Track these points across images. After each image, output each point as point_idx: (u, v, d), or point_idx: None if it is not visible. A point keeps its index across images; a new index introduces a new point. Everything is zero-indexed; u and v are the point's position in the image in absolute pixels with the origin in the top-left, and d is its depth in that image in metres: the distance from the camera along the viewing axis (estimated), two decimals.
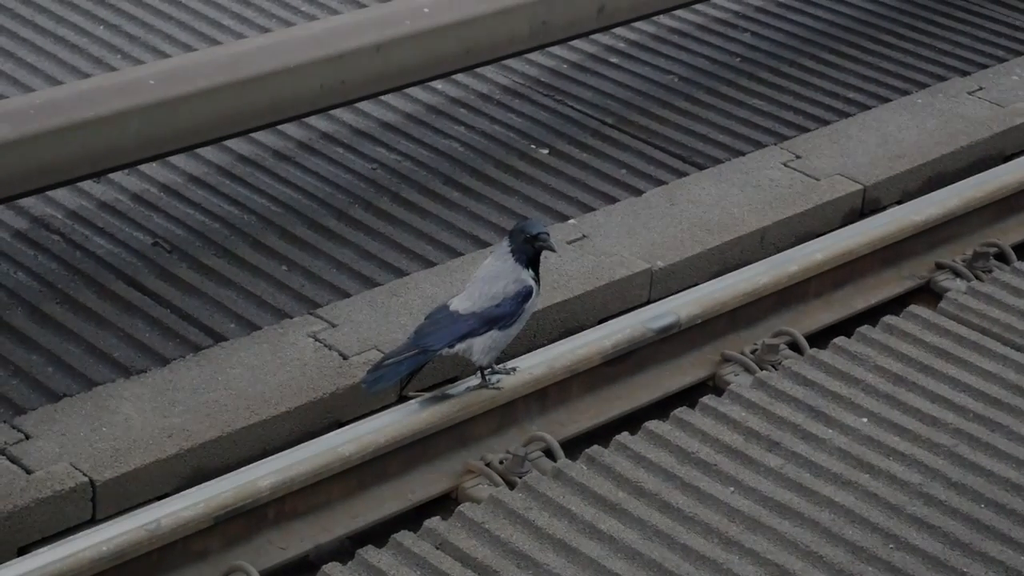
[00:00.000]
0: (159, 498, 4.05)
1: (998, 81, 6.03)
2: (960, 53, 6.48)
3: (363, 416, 4.36)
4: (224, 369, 4.39)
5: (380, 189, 5.46)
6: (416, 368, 4.31)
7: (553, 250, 4.36)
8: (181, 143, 5.06)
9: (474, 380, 4.42)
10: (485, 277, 4.34)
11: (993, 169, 5.55)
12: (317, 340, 4.52)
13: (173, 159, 5.40)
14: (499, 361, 4.42)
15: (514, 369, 4.45)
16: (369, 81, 5.36)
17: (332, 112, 5.63)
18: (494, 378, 4.41)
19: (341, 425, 4.34)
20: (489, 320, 4.29)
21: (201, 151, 5.43)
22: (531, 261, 4.32)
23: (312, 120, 5.67)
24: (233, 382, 4.35)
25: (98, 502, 4.03)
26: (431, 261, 5.06)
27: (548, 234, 4.31)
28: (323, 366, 4.43)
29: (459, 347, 4.30)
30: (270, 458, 4.12)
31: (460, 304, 4.32)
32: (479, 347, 4.31)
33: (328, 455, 4.13)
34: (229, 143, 5.48)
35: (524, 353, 4.57)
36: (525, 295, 4.32)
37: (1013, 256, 5.20)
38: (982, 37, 6.60)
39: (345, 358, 4.46)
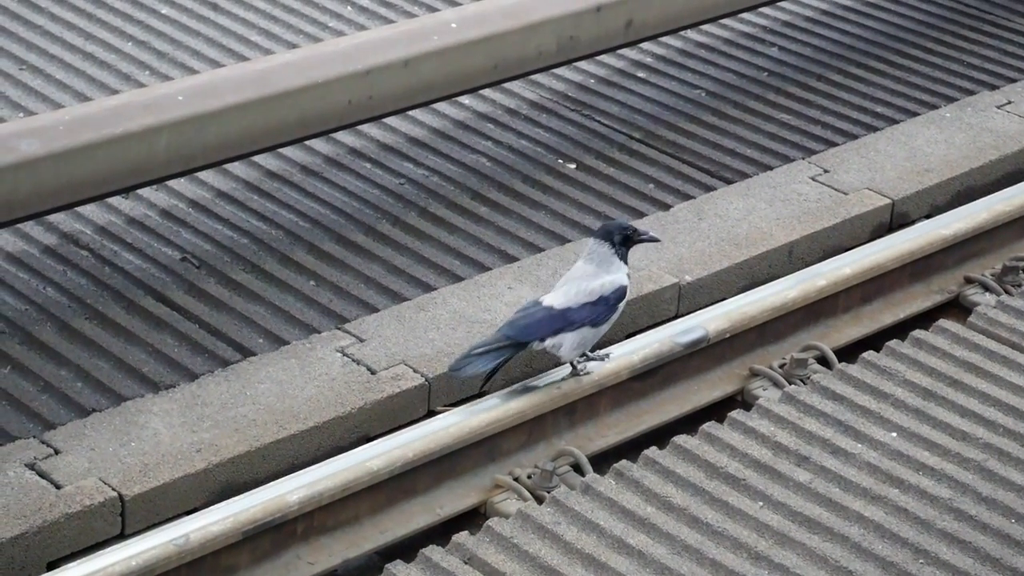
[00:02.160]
0: (188, 513, 4.06)
1: None
2: (988, 67, 6.46)
3: (392, 431, 4.36)
4: (252, 384, 4.40)
5: (408, 204, 5.46)
6: (504, 360, 4.34)
7: (657, 239, 4.54)
8: (210, 159, 5.08)
9: (560, 372, 4.44)
10: (581, 276, 4.39)
11: (1022, 183, 5.53)
12: (345, 355, 4.52)
13: (202, 175, 5.41)
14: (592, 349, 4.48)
15: (607, 355, 4.49)
16: (397, 96, 5.37)
17: (360, 127, 5.65)
18: (587, 365, 4.46)
19: (369, 440, 4.34)
20: (583, 317, 4.34)
21: (229, 167, 5.45)
22: (624, 259, 4.40)
23: (340, 135, 5.69)
24: (261, 397, 4.36)
25: (127, 517, 4.04)
26: (459, 276, 5.06)
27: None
28: (351, 381, 4.43)
29: (549, 342, 4.35)
30: (298, 473, 4.12)
31: (555, 300, 4.36)
32: (570, 343, 4.36)
33: (356, 470, 4.13)
34: (257, 158, 5.49)
35: (553, 368, 4.57)
36: (621, 294, 4.39)
37: None
38: (1010, 51, 6.58)
39: (373, 373, 4.47)
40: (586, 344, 4.40)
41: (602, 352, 4.52)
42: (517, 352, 4.36)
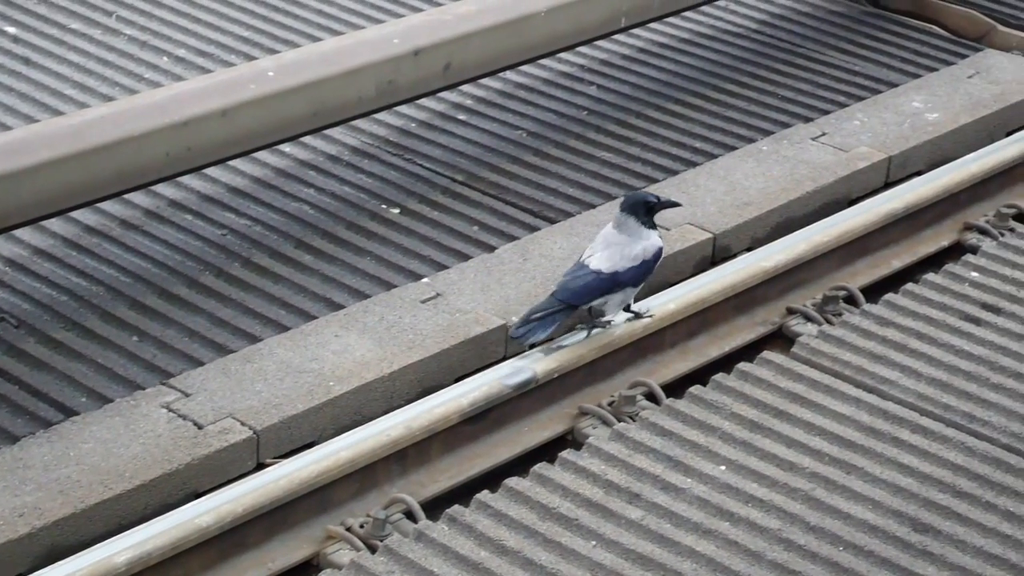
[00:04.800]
0: None
1: (840, 126, 6.12)
2: (802, 100, 6.57)
3: (221, 486, 4.31)
4: (76, 444, 4.32)
5: (231, 255, 5.41)
6: (561, 323, 4.74)
7: (679, 204, 5.04)
8: (25, 216, 4.98)
9: (612, 316, 4.87)
10: (621, 241, 4.79)
11: (839, 213, 5.63)
12: (171, 411, 4.46)
13: (18, 232, 5.30)
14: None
15: (652, 314, 4.96)
16: (216, 147, 5.32)
17: (179, 179, 5.58)
18: (642, 308, 4.93)
19: (198, 496, 4.28)
20: (628, 278, 4.78)
21: (46, 223, 5.35)
22: (652, 226, 4.85)
23: (159, 188, 5.61)
24: (86, 457, 4.28)
25: None
26: (285, 326, 5.02)
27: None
28: (178, 437, 4.37)
29: (597, 302, 4.78)
30: (126, 533, 4.05)
31: (601, 264, 4.76)
32: (614, 302, 4.81)
33: (185, 527, 4.07)
34: (75, 214, 5.40)
35: (382, 414, 4.55)
36: (659, 255, 4.86)
37: (862, 299, 5.28)
38: (823, 83, 6.70)
39: (200, 428, 4.41)
40: (626, 301, 4.86)
41: (645, 308, 4.96)
42: (571, 314, 4.77)
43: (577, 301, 4.75)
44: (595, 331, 4.87)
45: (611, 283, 4.77)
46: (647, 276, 4.85)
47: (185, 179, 5.66)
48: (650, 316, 4.93)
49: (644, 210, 4.83)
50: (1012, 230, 5.70)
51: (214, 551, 4.14)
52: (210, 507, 4.14)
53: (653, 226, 4.86)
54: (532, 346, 4.81)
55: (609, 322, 4.90)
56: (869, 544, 4.16)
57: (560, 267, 5.17)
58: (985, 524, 4.26)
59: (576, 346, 4.82)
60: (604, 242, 4.84)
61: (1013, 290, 5.27)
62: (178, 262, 5.35)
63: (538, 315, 4.72)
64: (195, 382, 4.58)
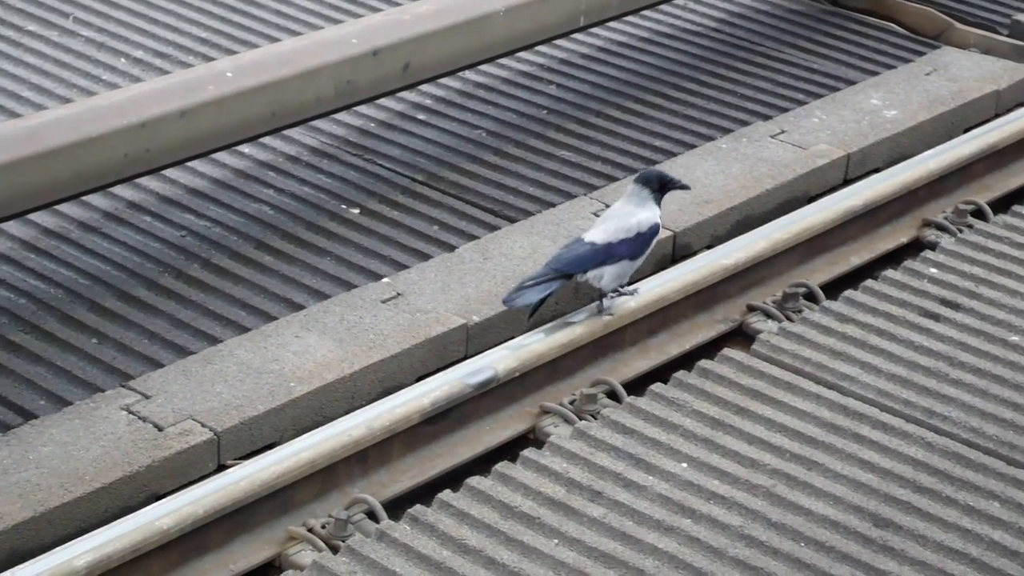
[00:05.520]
0: None
1: (799, 124, 6.14)
2: (761, 98, 6.59)
3: (181, 488, 4.29)
4: (35, 447, 4.29)
5: (190, 256, 5.39)
6: (552, 292, 4.80)
7: (688, 187, 5.08)
8: None
9: (608, 286, 4.88)
10: (620, 215, 4.87)
11: (798, 210, 5.64)
12: (131, 413, 4.44)
13: None
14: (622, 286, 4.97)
15: (636, 290, 4.98)
16: (174, 148, 5.30)
17: (138, 180, 5.56)
18: (615, 300, 4.93)
19: (159, 498, 4.26)
20: (623, 251, 4.82)
21: (4, 226, 5.33)
22: (659, 203, 4.91)
23: (118, 189, 5.59)
24: (45, 460, 4.25)
25: None
26: (245, 327, 5.00)
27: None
28: (138, 439, 4.35)
29: (591, 274, 4.82)
30: (86, 536, 4.03)
31: (596, 236, 4.84)
32: (610, 274, 4.84)
33: (146, 530, 4.05)
34: (33, 216, 5.38)
35: (344, 415, 4.54)
36: (655, 231, 4.89)
37: (822, 295, 5.29)
38: (781, 81, 6.72)
39: (160, 430, 4.39)
40: (624, 276, 4.89)
41: (631, 288, 4.97)
42: (564, 284, 4.83)
43: (569, 270, 4.80)
44: (606, 307, 4.93)
45: (605, 254, 4.82)
46: (644, 251, 4.89)
47: (143, 180, 5.64)
48: (634, 292, 4.98)
49: (657, 185, 4.91)
50: (970, 226, 5.72)
51: (175, 553, 4.12)
52: (171, 509, 4.12)
53: (659, 204, 4.92)
54: (530, 312, 4.88)
55: (617, 293, 4.94)
56: (830, 540, 4.17)
57: (521, 266, 5.17)
58: (945, 519, 4.28)
59: (537, 344, 4.82)
60: (606, 215, 4.96)
61: (972, 286, 5.30)
62: (137, 264, 5.33)
63: (530, 283, 4.81)
64: (155, 384, 4.56)
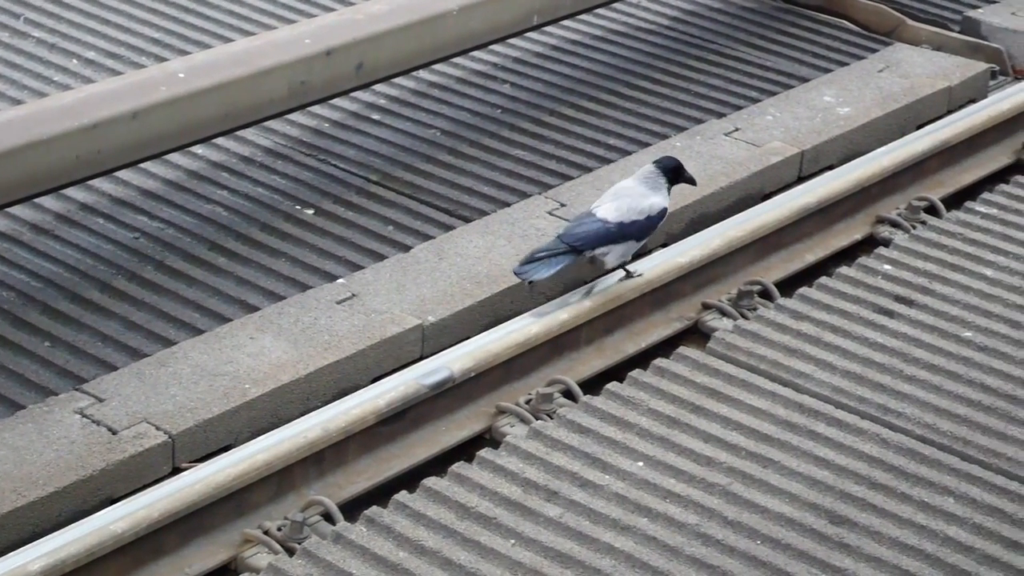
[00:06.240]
0: None
1: (753, 121, 6.15)
2: (714, 95, 6.60)
3: (136, 491, 4.27)
4: None
5: (144, 258, 5.37)
6: (564, 266, 4.88)
7: (695, 183, 5.19)
8: None
9: (611, 279, 5.05)
10: (632, 195, 4.98)
11: (753, 208, 5.65)
12: (84, 416, 4.42)
13: None
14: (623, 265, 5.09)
15: (641, 274, 5.11)
16: (127, 149, 5.28)
17: (91, 182, 5.53)
18: (635, 269, 5.08)
19: (113, 502, 4.24)
20: (633, 231, 4.94)
21: None
22: (669, 190, 5.05)
23: (70, 191, 5.56)
24: None
25: None
26: (199, 329, 4.98)
27: None
28: (92, 443, 4.33)
29: (599, 251, 4.92)
30: (40, 541, 4.01)
31: (608, 214, 4.93)
32: (616, 253, 4.96)
33: (100, 534, 4.03)
34: None
35: (299, 416, 4.53)
36: (663, 215, 5.03)
37: (776, 293, 5.30)
38: (735, 79, 6.73)
39: (114, 433, 4.37)
40: (627, 255, 5.01)
41: (637, 270, 5.10)
42: (574, 259, 4.90)
43: (581, 245, 4.89)
44: (597, 288, 5.02)
45: (617, 234, 4.92)
46: (650, 233, 5.03)
47: (96, 182, 5.61)
48: (639, 276, 5.08)
49: (673, 174, 5.05)
50: (924, 223, 5.74)
51: (129, 557, 4.10)
52: (125, 513, 4.10)
53: (669, 191, 5.05)
54: (532, 284, 4.95)
55: (626, 274, 5.07)
56: (786, 537, 4.18)
57: (476, 266, 5.17)
58: (900, 515, 4.29)
59: (492, 344, 4.81)
60: (616, 193, 5.02)
61: (925, 282, 5.32)
62: (90, 266, 5.30)
63: (542, 255, 4.87)
64: (109, 387, 4.54)
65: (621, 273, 5.09)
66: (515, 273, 4.90)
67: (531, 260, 4.88)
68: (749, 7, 7.35)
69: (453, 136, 6.23)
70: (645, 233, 5.00)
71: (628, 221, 4.94)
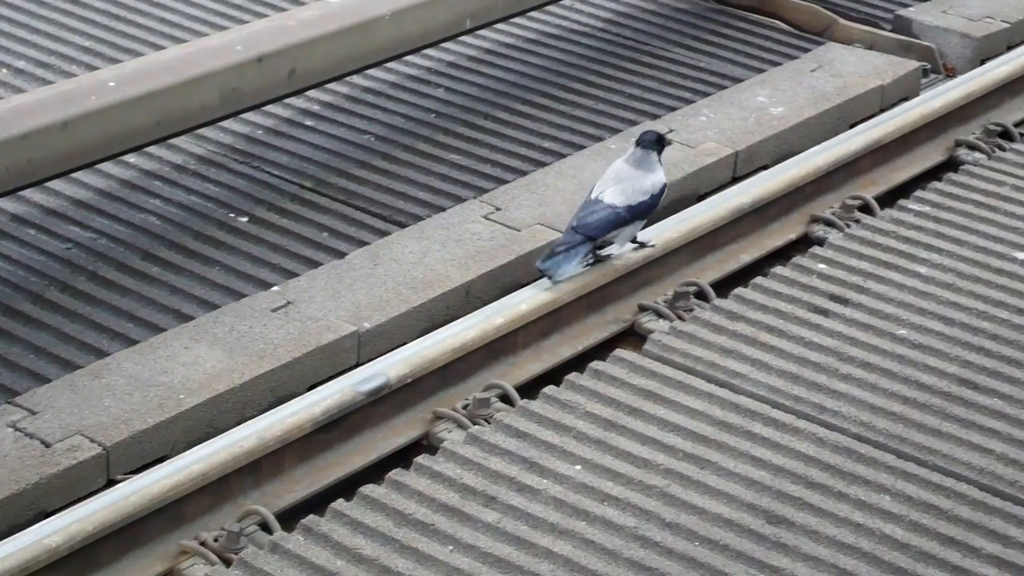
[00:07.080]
0: None
1: (687, 122, 6.16)
2: (649, 97, 6.61)
3: (70, 504, 4.23)
4: None
5: (76, 269, 5.33)
6: (584, 255, 5.04)
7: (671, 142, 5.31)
8: None
9: (618, 249, 5.18)
10: (633, 176, 5.08)
11: (688, 209, 5.66)
12: (17, 430, 4.38)
13: None
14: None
15: (654, 245, 5.28)
16: (57, 160, 5.24)
17: (21, 193, 5.48)
18: (647, 238, 5.24)
19: (48, 515, 4.20)
20: (639, 211, 5.08)
21: None
22: (661, 161, 5.16)
23: (0, 203, 5.51)
24: None
25: None
26: (133, 339, 4.94)
27: None
28: (24, 456, 4.29)
29: (611, 235, 5.09)
30: None
31: (616, 199, 5.04)
32: (625, 234, 5.13)
33: (34, 548, 3.99)
34: None
35: (234, 426, 4.51)
36: (664, 190, 5.15)
37: (712, 294, 5.31)
38: (669, 80, 6.74)
39: (48, 446, 4.33)
40: (633, 234, 5.17)
41: (651, 241, 5.26)
42: (590, 247, 5.06)
43: (596, 234, 5.03)
44: (595, 263, 5.14)
45: (627, 217, 5.06)
46: (653, 210, 5.14)
47: (27, 193, 5.56)
48: (652, 246, 5.24)
49: (659, 146, 5.14)
50: (858, 221, 5.77)
51: (65, 571, 4.06)
52: (59, 526, 4.07)
53: (661, 163, 5.15)
54: (555, 280, 5.04)
55: (609, 256, 5.15)
56: (724, 538, 4.19)
57: (411, 271, 5.15)
58: (837, 514, 4.30)
59: (428, 350, 4.80)
60: (616, 177, 5.10)
61: (860, 281, 5.34)
62: (22, 278, 5.26)
63: (561, 248, 5.00)
64: (42, 399, 4.50)
65: (630, 245, 5.23)
66: (538, 267, 5.04)
67: (553, 254, 5.01)
68: (682, 8, 7.36)
69: (387, 141, 6.21)
70: (651, 211, 5.13)
71: (636, 203, 5.06)
